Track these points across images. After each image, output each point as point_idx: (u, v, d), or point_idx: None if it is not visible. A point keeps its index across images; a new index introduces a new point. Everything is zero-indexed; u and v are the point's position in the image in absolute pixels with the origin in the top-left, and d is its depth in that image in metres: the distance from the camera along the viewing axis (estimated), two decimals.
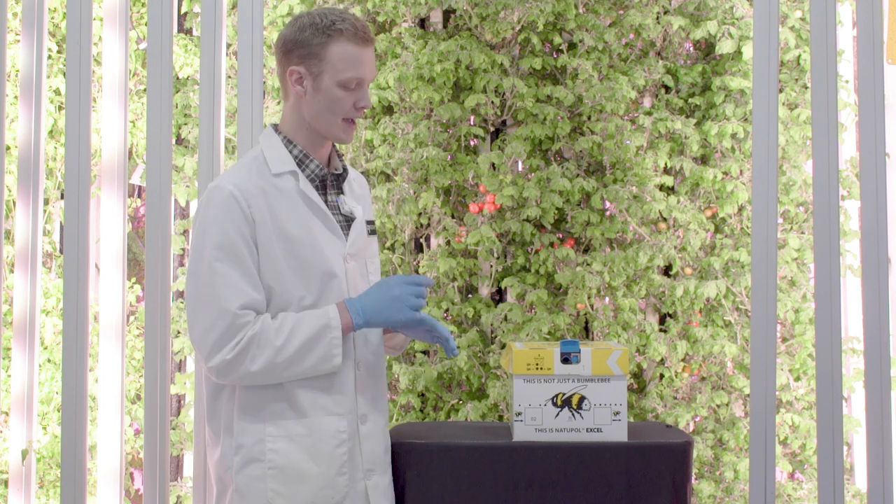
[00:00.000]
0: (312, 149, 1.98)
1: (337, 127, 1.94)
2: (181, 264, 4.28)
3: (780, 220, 3.63)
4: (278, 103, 3.79)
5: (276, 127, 2.01)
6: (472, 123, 3.65)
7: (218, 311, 1.83)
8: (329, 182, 2.01)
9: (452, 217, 3.65)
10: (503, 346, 3.52)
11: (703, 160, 3.69)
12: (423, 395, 3.59)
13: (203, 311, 1.85)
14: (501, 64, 3.58)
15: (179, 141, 3.92)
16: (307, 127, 1.96)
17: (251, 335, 1.83)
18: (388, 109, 3.70)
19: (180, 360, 4.20)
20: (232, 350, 1.83)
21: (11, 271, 3.53)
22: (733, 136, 3.59)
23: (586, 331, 3.62)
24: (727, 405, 3.54)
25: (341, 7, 3.72)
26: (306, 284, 1.90)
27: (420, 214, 3.62)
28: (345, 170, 2.05)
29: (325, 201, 1.99)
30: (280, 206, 1.91)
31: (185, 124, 3.87)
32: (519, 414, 2.07)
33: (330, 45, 1.88)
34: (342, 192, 2.04)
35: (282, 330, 1.85)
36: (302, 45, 1.91)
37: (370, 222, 2.08)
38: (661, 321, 3.66)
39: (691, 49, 3.81)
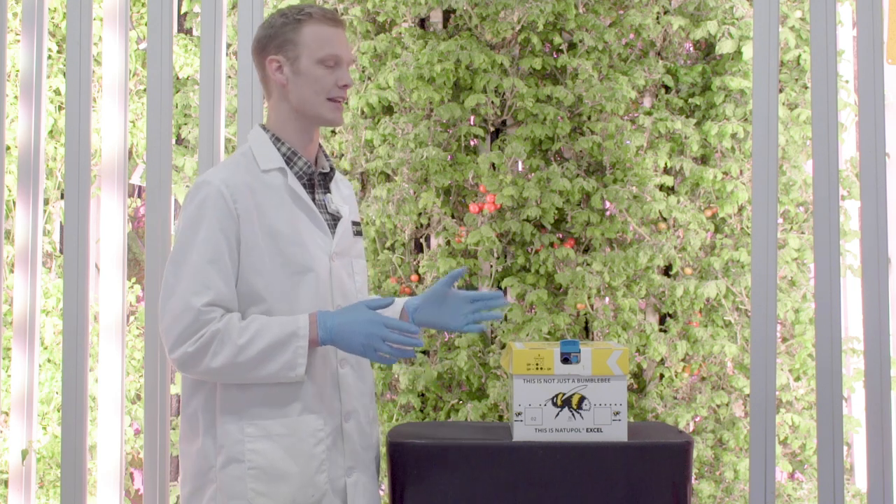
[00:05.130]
0: (300, 146, 2.00)
1: (324, 107, 1.96)
2: None
3: (780, 220, 3.63)
4: None
5: (263, 127, 2.03)
6: (472, 123, 3.65)
7: (184, 305, 1.83)
8: (317, 181, 2.03)
9: (452, 217, 3.65)
10: (503, 346, 3.52)
11: (703, 160, 3.69)
12: (423, 395, 3.59)
13: (173, 302, 1.86)
14: (501, 64, 3.58)
15: (179, 141, 3.92)
16: (295, 119, 1.98)
17: (214, 330, 1.83)
18: (388, 109, 3.70)
19: None
20: (194, 344, 1.83)
21: (11, 271, 3.54)
22: (733, 136, 3.59)
23: (586, 331, 3.61)
24: (727, 405, 3.54)
25: (341, 7, 3.72)
26: (290, 280, 1.91)
27: (420, 214, 3.62)
28: (332, 169, 2.08)
29: (313, 199, 2.01)
30: (267, 201, 1.93)
31: (185, 124, 3.87)
32: (519, 414, 2.07)
33: (302, 28, 1.95)
34: (329, 191, 2.06)
35: (247, 330, 1.84)
36: (276, 37, 1.97)
37: (356, 223, 2.09)
38: (661, 321, 3.66)
39: (691, 49, 3.81)
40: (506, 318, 3.51)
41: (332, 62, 1.94)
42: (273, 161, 1.97)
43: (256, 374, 1.86)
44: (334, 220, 2.02)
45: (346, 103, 1.99)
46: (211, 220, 1.87)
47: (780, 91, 3.60)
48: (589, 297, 3.52)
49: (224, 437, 1.90)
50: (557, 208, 3.54)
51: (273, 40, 1.97)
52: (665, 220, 3.61)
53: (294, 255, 1.91)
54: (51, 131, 4.13)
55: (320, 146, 2.07)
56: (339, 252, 2.00)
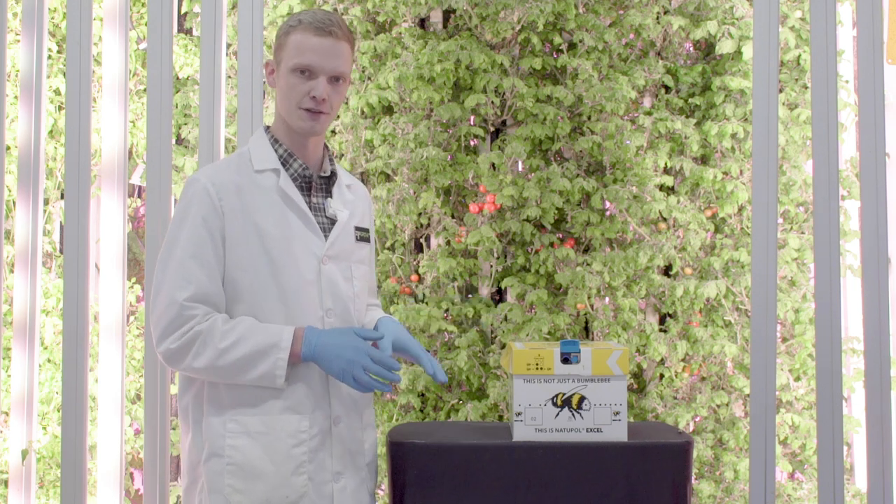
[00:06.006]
0: (297, 148, 2.01)
1: (296, 115, 1.96)
2: None
3: (780, 220, 3.63)
4: None
5: (267, 128, 2.05)
6: (472, 123, 3.65)
7: (169, 300, 1.87)
8: (315, 184, 2.02)
9: (452, 217, 3.65)
10: (503, 346, 3.52)
11: (703, 160, 3.69)
12: (423, 395, 3.59)
13: (159, 298, 1.89)
14: (501, 64, 3.57)
15: (179, 141, 3.92)
16: (284, 122, 2.00)
17: (197, 330, 1.86)
18: (388, 109, 3.70)
19: None
20: (177, 340, 1.86)
21: (11, 271, 3.54)
22: (733, 136, 3.59)
23: (586, 331, 3.61)
24: (727, 405, 3.54)
25: (341, 7, 3.72)
26: (274, 279, 1.92)
27: (420, 214, 3.62)
28: (334, 173, 2.07)
29: (310, 202, 2.00)
30: (257, 201, 1.94)
31: (185, 124, 3.87)
32: (519, 414, 2.07)
33: (290, 35, 1.95)
34: (330, 195, 2.05)
35: (229, 334, 1.86)
36: (276, 41, 2.00)
37: (362, 229, 2.09)
38: (661, 321, 3.66)
39: (691, 49, 3.81)
40: (506, 318, 3.51)
41: (304, 71, 1.93)
42: (268, 162, 1.98)
43: (237, 379, 1.89)
44: (332, 223, 2.02)
45: (322, 113, 1.98)
46: (195, 218, 1.90)
47: (780, 91, 3.60)
48: (589, 297, 3.52)
49: (208, 430, 1.92)
50: (557, 208, 3.54)
51: (274, 44, 2.01)
52: (665, 220, 3.60)
53: (278, 255, 1.92)
54: (51, 131, 4.13)
55: (327, 149, 2.07)
56: (332, 255, 1.99)
